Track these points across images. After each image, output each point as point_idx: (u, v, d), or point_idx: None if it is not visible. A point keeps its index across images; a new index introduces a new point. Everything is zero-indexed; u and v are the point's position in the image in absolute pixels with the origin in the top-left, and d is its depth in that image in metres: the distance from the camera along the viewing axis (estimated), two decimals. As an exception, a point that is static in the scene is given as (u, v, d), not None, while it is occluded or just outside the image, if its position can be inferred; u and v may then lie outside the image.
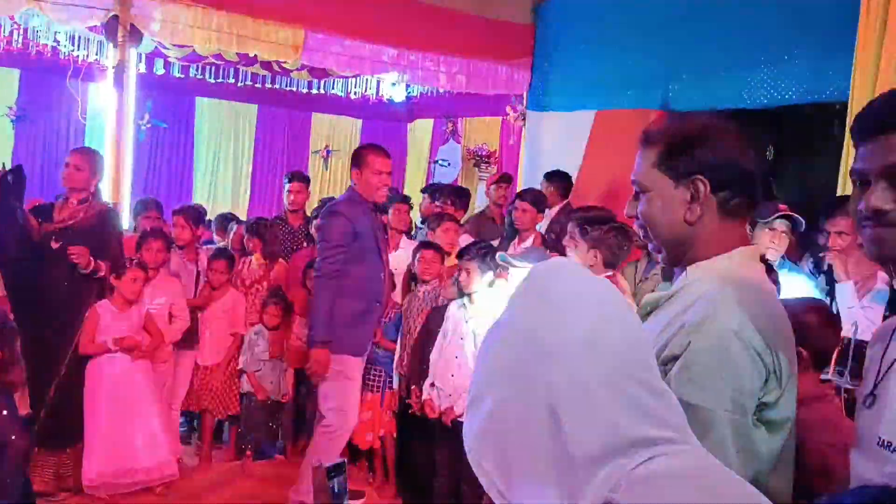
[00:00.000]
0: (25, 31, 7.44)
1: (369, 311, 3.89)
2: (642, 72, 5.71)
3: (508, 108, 7.47)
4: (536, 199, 4.96)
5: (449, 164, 9.54)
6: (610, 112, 5.94)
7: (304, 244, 5.23)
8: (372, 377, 4.29)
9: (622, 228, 2.97)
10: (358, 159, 3.91)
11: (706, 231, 1.40)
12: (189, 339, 4.54)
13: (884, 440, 1.17)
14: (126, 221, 5.47)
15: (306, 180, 5.59)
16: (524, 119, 7.30)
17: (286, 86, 9.29)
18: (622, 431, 0.76)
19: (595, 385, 0.78)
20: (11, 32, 7.53)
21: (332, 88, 9.17)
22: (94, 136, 7.91)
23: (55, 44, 7.66)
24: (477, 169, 9.12)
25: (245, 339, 4.70)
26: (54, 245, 3.96)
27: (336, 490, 1.04)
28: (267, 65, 8.19)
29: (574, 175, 5.80)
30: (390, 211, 4.98)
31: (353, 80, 8.77)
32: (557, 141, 6.59)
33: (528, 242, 4.79)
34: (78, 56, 7.60)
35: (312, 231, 4.91)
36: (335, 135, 10.80)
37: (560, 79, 6.85)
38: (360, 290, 3.81)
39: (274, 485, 4.34)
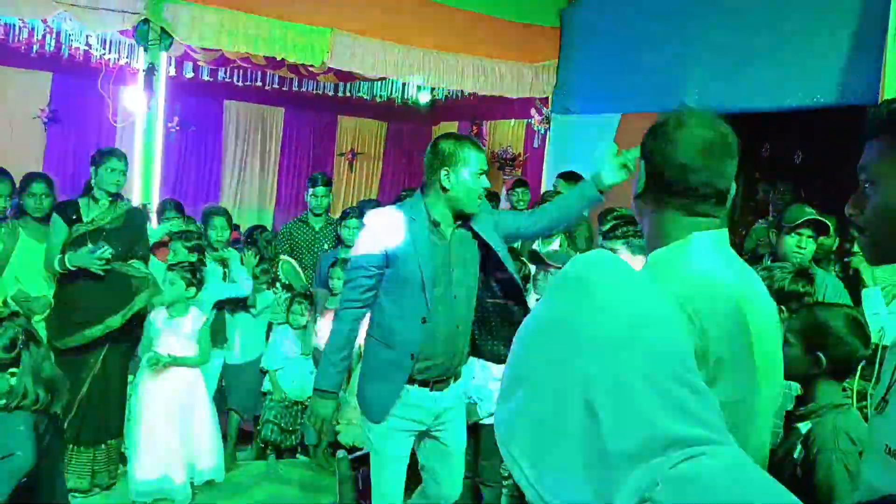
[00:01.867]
0: (58, 34, 7.58)
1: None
2: (667, 75, 5.67)
3: (533, 112, 7.46)
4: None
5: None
6: (635, 115, 5.91)
7: (325, 246, 5.28)
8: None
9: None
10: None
11: None
12: (218, 338, 4.59)
13: (891, 448, 1.14)
14: (154, 223, 5.54)
15: (329, 183, 5.63)
16: (549, 122, 7.29)
17: (312, 89, 9.37)
18: (660, 429, 0.76)
19: (633, 381, 0.77)
20: (44, 36, 7.67)
21: (358, 91, 9.22)
22: (125, 138, 8.01)
23: (87, 47, 7.79)
24: (502, 172, 9.11)
25: (269, 338, 4.76)
26: (90, 246, 4.02)
27: (361, 481, 1.05)
28: (294, 68, 8.26)
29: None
30: None
31: (379, 83, 8.82)
32: (582, 144, 6.57)
33: (554, 245, 4.78)
34: (109, 59, 7.73)
35: (343, 234, 4.95)
36: (360, 137, 10.85)
37: (585, 82, 6.83)
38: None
39: (298, 487, 4.37)
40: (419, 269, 2.75)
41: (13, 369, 2.18)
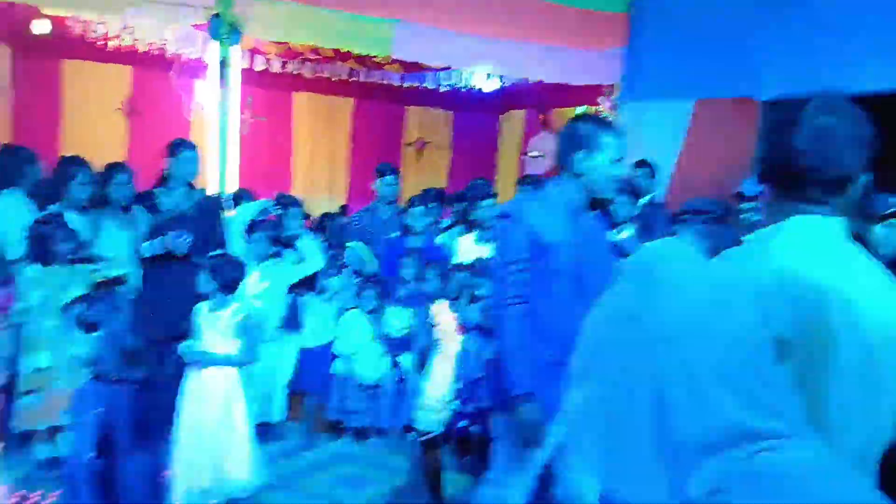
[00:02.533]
0: (134, 29, 7.87)
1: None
2: (742, 59, 5.50)
3: (601, 99, 7.35)
4: (634, 190, 4.89)
5: (542, 156, 9.46)
6: (709, 101, 5.75)
7: (393, 235, 5.34)
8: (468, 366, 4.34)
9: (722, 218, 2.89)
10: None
11: None
12: (293, 322, 4.72)
13: None
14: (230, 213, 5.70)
15: (397, 172, 5.67)
16: (617, 109, 7.16)
17: (379, 79, 9.46)
18: (732, 422, 0.75)
19: (705, 372, 0.76)
20: (121, 32, 7.98)
21: (424, 81, 9.26)
22: (199, 130, 8.26)
23: (163, 41, 8.06)
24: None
25: (340, 322, 4.85)
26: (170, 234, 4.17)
27: (433, 463, 1.06)
28: (361, 59, 8.36)
29: (671, 167, 5.66)
30: None
31: (444, 72, 8.84)
32: (653, 132, 6.44)
33: (626, 233, 4.71)
34: (183, 53, 7.98)
35: (411, 223, 5.08)
36: (428, 127, 10.89)
37: (656, 68, 6.68)
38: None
39: (372, 467, 4.45)
40: (570, 258, 2.60)
41: (97, 333, 2.31)
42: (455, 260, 4.87)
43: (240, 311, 3.71)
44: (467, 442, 4.51)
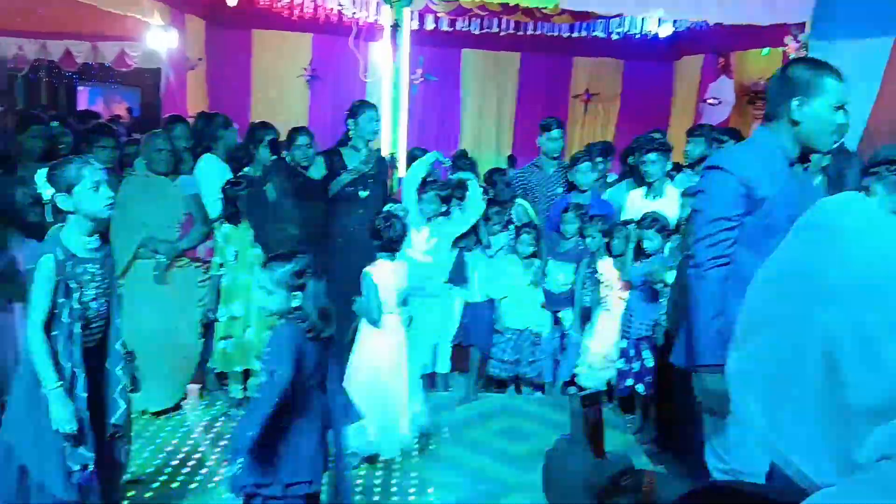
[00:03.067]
0: (314, -4, 8.29)
1: None
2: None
3: (788, 39, 6.77)
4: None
5: (720, 103, 8.93)
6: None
7: (558, 191, 5.28)
8: (635, 326, 4.28)
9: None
10: None
11: None
12: (459, 277, 4.86)
13: None
14: (402, 172, 5.93)
15: (562, 126, 5.58)
16: (807, 49, 6.57)
17: (547, 31, 9.33)
18: (908, 386, 0.71)
19: (881, 332, 0.73)
20: (303, 0, 8.44)
21: (594, 31, 9.01)
22: (374, 92, 8.58)
23: (340, 7, 8.43)
24: (752, 106, 8.43)
25: (497, 266, 4.92)
26: (363, 194, 4.44)
27: (591, 418, 1.08)
28: (528, 12, 8.27)
29: (865, 112, 5.15)
30: None
31: (616, 19, 8.53)
32: (847, 73, 5.85)
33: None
34: (359, 18, 8.30)
35: (575, 178, 4.97)
36: (596, 78, 10.62)
37: (850, 3, 6.03)
38: None
39: (533, 421, 4.54)
40: (786, 213, 2.31)
41: (299, 293, 2.53)
42: (623, 216, 4.77)
43: (406, 267, 3.89)
44: (630, 401, 4.48)
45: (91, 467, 2.50)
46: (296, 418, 2.56)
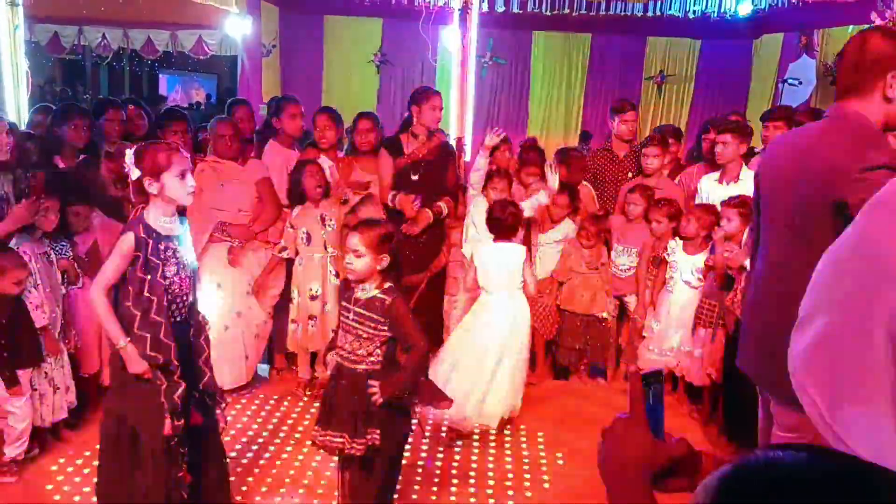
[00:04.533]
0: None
1: None
2: None
3: (874, 15, 6.43)
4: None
5: (801, 84, 8.58)
6: None
7: (630, 175, 5.16)
8: (704, 312, 4.18)
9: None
10: None
11: None
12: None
13: None
14: (468, 156, 5.93)
15: (634, 108, 5.45)
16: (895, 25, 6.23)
17: (621, 11, 9.13)
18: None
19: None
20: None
21: (670, 9, 8.77)
22: (443, 75, 8.60)
23: (410, -9, 8.47)
24: (835, 87, 8.07)
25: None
26: (413, 177, 4.46)
27: (651, 399, 1.07)
28: (601, -8, 8.13)
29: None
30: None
31: (693, -3, 8.30)
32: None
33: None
34: (429, 1, 8.31)
35: (643, 162, 4.86)
36: (670, 59, 10.36)
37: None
38: None
39: (594, 403, 4.51)
40: None
41: (386, 256, 2.66)
42: (697, 201, 4.65)
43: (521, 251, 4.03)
44: (697, 389, 4.38)
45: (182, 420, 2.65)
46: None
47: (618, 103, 5.38)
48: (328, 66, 10.51)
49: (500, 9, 9.09)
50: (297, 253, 4.34)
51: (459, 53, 6.53)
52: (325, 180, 4.33)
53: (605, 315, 4.72)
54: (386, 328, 2.66)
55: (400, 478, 2.98)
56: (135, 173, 2.57)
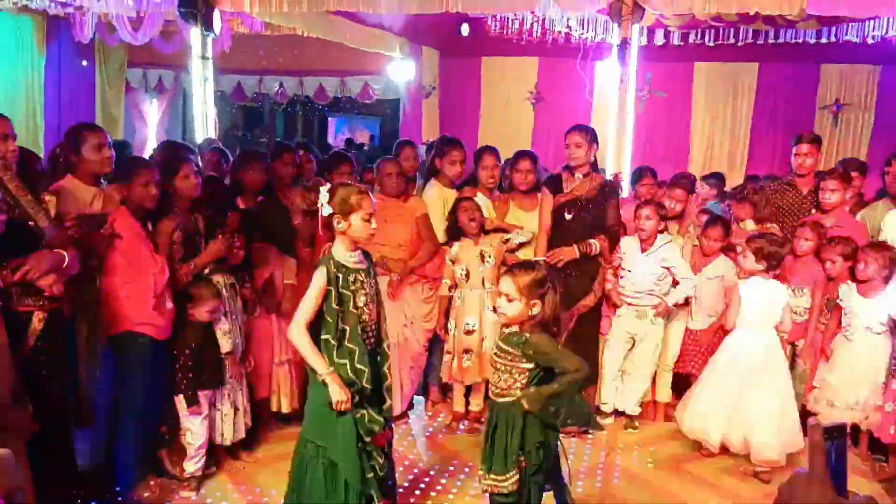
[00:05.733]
0: (542, 21, 8.45)
1: None
2: None
3: None
4: None
5: None
6: None
7: (812, 211, 4.78)
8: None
9: None
10: None
11: None
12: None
13: None
14: (626, 190, 5.82)
15: (818, 141, 5.03)
16: None
17: (791, 38, 8.69)
18: None
19: None
20: (532, 24, 8.64)
21: (846, 34, 8.22)
22: (599, 111, 8.55)
23: (567, 29, 8.52)
24: None
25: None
26: (567, 216, 4.45)
27: (834, 455, 1.00)
28: (769, 19, 7.76)
29: None
30: None
31: (872, 21, 7.72)
32: None
33: None
34: (587, 38, 8.33)
35: (820, 197, 4.53)
36: (846, 87, 9.69)
37: None
38: None
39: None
40: None
41: (538, 301, 2.65)
42: (882, 238, 4.28)
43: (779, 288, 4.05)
44: (880, 444, 3.99)
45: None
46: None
47: (800, 135, 5.00)
48: (485, 105, 10.77)
49: (660, 41, 8.94)
50: (455, 286, 4.44)
51: (616, 89, 6.46)
52: (481, 216, 4.42)
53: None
54: (524, 362, 2.66)
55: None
56: (326, 210, 2.77)
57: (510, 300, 2.65)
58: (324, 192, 2.79)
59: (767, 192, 5.06)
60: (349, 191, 2.78)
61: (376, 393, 2.90)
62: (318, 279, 2.75)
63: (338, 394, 2.69)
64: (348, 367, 2.74)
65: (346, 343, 2.76)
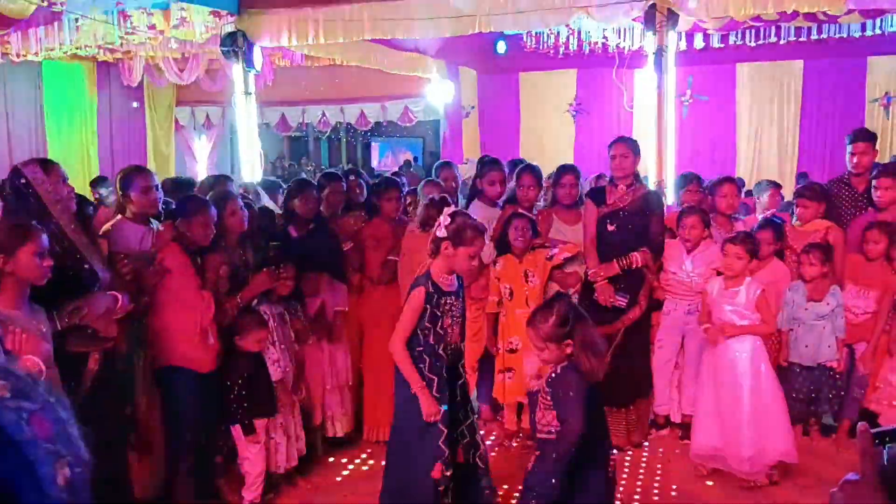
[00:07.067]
0: (578, 33, 8.44)
1: None
2: None
3: None
4: None
5: None
6: None
7: (867, 209, 4.61)
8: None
9: None
10: None
11: None
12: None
13: None
14: (670, 198, 5.73)
15: (873, 138, 4.84)
16: None
17: (835, 33, 8.49)
18: None
19: None
20: (567, 38, 8.64)
21: (892, 25, 8.00)
22: (640, 120, 8.47)
23: (604, 40, 8.49)
24: None
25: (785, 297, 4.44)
26: (610, 227, 4.40)
27: (887, 460, 0.97)
28: (811, 15, 7.60)
29: None
30: None
31: (920, 10, 7.50)
32: None
33: None
34: (623, 47, 8.28)
35: (873, 195, 4.38)
36: (897, 79, 9.43)
37: None
38: None
39: (818, 457, 4.13)
40: None
41: (568, 340, 2.55)
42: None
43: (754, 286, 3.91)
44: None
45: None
46: (586, 468, 2.58)
47: (851, 134, 4.81)
48: (525, 120, 10.77)
49: (700, 45, 8.82)
50: (501, 302, 4.44)
51: (656, 96, 6.38)
52: (531, 236, 4.39)
53: (834, 365, 4.26)
54: (549, 398, 2.58)
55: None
56: (441, 232, 2.94)
57: (540, 349, 2.60)
58: (446, 214, 2.95)
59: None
60: (468, 225, 2.94)
61: (454, 411, 3.09)
62: (417, 297, 2.92)
63: (428, 407, 2.87)
64: (436, 383, 2.95)
65: (426, 373, 2.96)
